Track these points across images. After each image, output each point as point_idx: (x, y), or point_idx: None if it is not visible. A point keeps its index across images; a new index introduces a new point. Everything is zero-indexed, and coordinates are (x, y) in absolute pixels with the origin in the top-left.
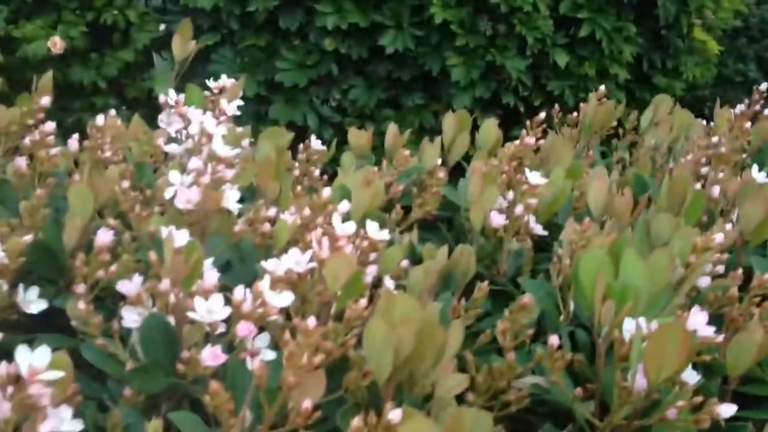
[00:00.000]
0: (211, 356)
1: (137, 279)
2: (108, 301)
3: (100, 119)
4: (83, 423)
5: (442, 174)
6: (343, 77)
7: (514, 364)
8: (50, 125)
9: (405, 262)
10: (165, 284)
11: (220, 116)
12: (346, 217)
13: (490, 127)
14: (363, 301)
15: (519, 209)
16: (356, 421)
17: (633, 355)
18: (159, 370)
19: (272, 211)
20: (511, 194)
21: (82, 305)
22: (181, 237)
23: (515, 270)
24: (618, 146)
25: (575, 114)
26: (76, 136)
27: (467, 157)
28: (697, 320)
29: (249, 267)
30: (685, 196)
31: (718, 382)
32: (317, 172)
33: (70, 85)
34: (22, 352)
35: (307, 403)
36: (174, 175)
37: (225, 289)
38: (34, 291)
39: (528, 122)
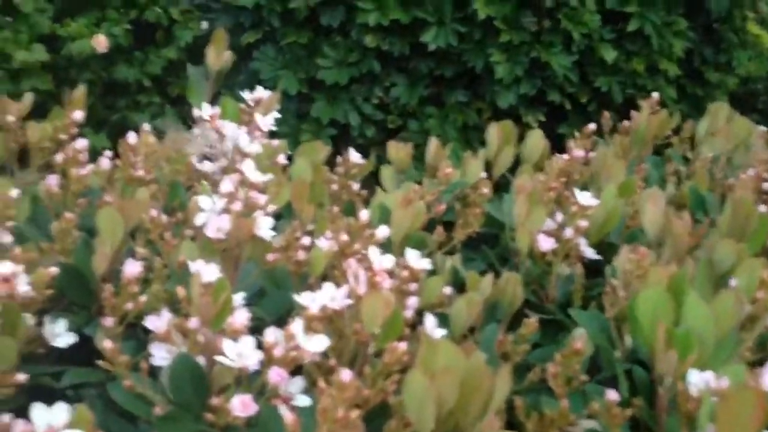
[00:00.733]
0: (241, 405)
1: (166, 315)
2: (139, 329)
3: (132, 137)
4: None
5: (486, 189)
6: (385, 74)
7: (567, 412)
8: (82, 142)
9: (448, 289)
10: (194, 322)
11: (254, 131)
12: (385, 242)
13: (537, 138)
14: (402, 345)
15: (569, 232)
16: None
17: (702, 415)
18: (187, 416)
19: (307, 239)
20: (559, 215)
21: (109, 344)
22: (210, 272)
23: (565, 296)
24: (672, 156)
25: (626, 123)
26: (108, 153)
27: (512, 167)
28: None
29: (283, 295)
30: (748, 221)
31: None
32: (356, 186)
33: (114, 83)
34: (38, 412)
35: None
36: (205, 201)
37: (258, 320)
38: (61, 323)
39: (576, 133)
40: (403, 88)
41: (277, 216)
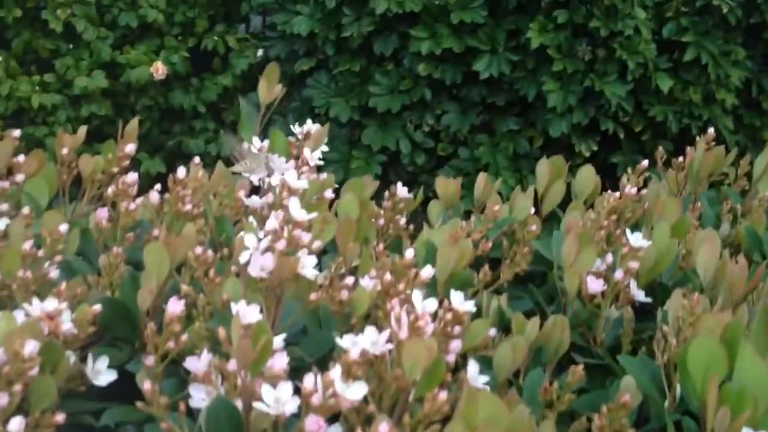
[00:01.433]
0: None
1: (205, 356)
2: (181, 366)
3: (181, 171)
4: None
5: (534, 227)
6: (437, 102)
7: None
8: (133, 176)
9: (493, 331)
10: (233, 365)
11: (302, 166)
12: (430, 280)
13: (588, 173)
14: (443, 394)
15: (619, 274)
16: None
17: None
18: None
19: (350, 279)
20: (609, 256)
21: (148, 385)
22: (251, 313)
23: (614, 339)
24: (728, 194)
25: (680, 159)
26: (157, 186)
27: (563, 201)
28: None
29: (325, 335)
30: None
31: None
32: (403, 221)
33: (171, 109)
34: None
35: None
36: (250, 239)
37: (299, 361)
38: (103, 360)
39: (629, 170)
40: (455, 116)
41: (323, 251)
